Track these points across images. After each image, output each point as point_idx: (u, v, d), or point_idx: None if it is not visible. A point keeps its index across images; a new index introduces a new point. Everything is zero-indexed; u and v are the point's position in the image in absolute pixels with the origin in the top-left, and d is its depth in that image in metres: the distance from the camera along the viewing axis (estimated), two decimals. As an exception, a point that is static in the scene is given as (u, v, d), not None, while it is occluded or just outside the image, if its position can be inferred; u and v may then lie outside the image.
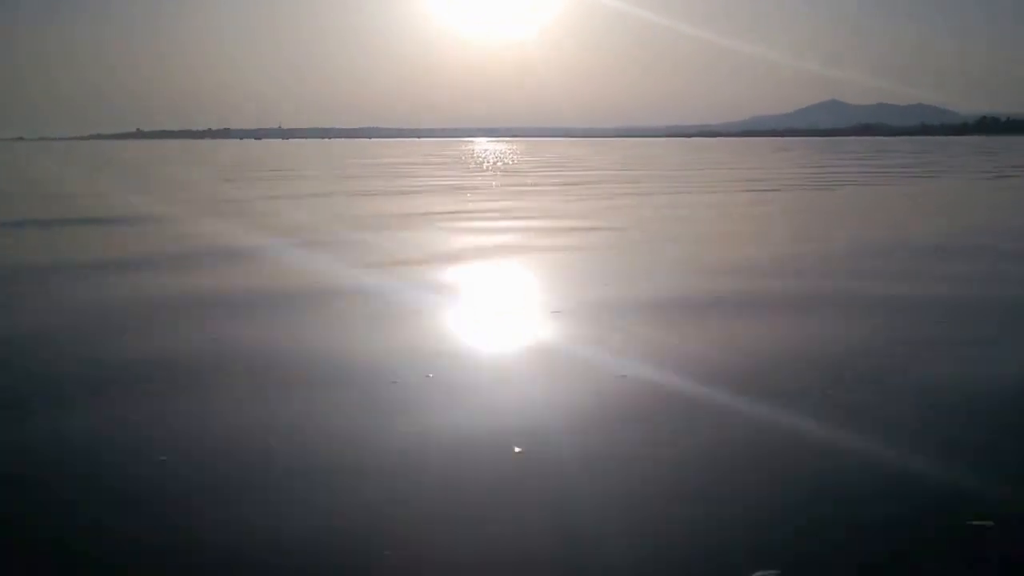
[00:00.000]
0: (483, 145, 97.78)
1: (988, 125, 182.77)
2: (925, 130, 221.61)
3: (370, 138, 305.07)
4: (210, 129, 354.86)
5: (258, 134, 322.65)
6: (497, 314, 4.96)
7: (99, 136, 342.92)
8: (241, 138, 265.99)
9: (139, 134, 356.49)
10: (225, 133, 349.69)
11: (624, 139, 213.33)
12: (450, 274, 6.30)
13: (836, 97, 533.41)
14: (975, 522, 2.06)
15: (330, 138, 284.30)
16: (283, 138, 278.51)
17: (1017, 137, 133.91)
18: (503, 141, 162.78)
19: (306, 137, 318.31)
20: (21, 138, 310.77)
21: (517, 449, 2.61)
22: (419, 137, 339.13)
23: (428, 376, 3.46)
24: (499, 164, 32.33)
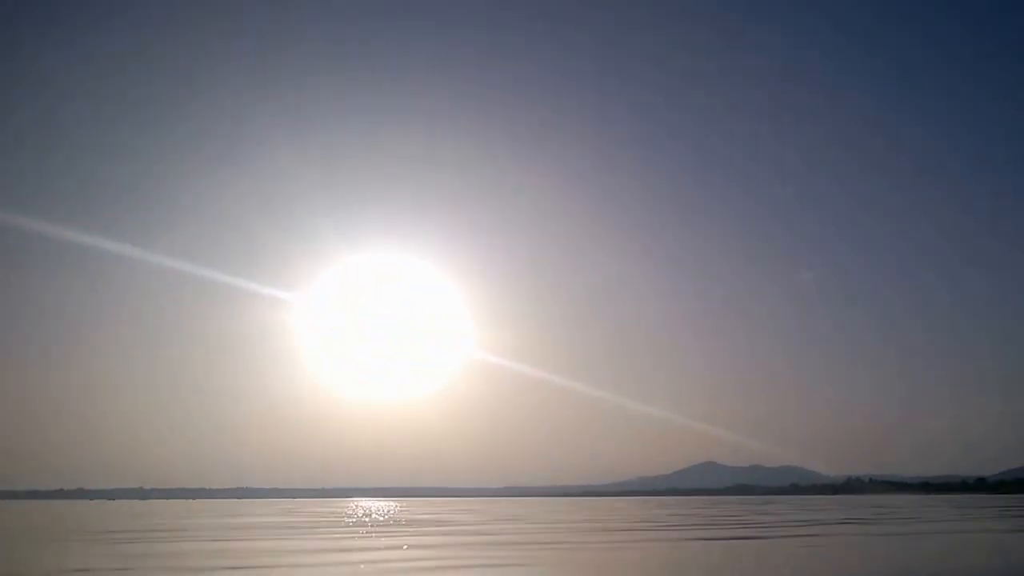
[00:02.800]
0: (354, 505, 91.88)
1: (853, 485, 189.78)
2: (796, 490, 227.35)
3: (240, 498, 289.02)
4: (62, 489, 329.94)
5: (114, 494, 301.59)
6: None
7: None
8: (92, 499, 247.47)
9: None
10: (79, 493, 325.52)
11: (507, 498, 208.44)
12: None
13: (713, 459, 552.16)
14: None
15: (197, 499, 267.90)
16: (142, 499, 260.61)
17: (878, 496, 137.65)
18: (385, 500, 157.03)
19: (169, 498, 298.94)
20: None
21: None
22: (297, 497, 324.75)
23: None
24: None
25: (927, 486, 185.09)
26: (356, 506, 69.67)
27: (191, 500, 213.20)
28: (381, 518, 32.50)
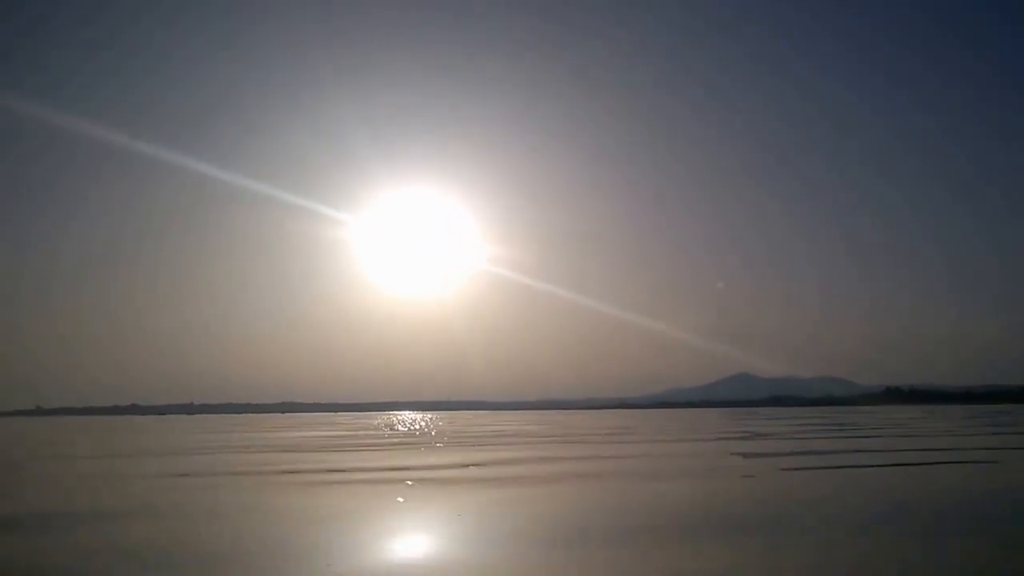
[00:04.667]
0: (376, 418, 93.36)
1: (893, 395, 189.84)
2: (832, 400, 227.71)
3: (283, 412, 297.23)
4: (117, 406, 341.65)
5: (165, 410, 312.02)
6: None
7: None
8: (144, 414, 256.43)
9: (39, 411, 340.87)
10: (133, 409, 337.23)
11: (553, 411, 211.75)
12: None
13: (746, 370, 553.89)
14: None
15: (243, 413, 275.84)
16: (190, 414, 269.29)
17: (920, 406, 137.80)
18: (428, 413, 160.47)
19: (217, 413, 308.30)
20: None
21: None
22: (339, 411, 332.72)
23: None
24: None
25: (971, 396, 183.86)
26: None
27: (239, 415, 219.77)
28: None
